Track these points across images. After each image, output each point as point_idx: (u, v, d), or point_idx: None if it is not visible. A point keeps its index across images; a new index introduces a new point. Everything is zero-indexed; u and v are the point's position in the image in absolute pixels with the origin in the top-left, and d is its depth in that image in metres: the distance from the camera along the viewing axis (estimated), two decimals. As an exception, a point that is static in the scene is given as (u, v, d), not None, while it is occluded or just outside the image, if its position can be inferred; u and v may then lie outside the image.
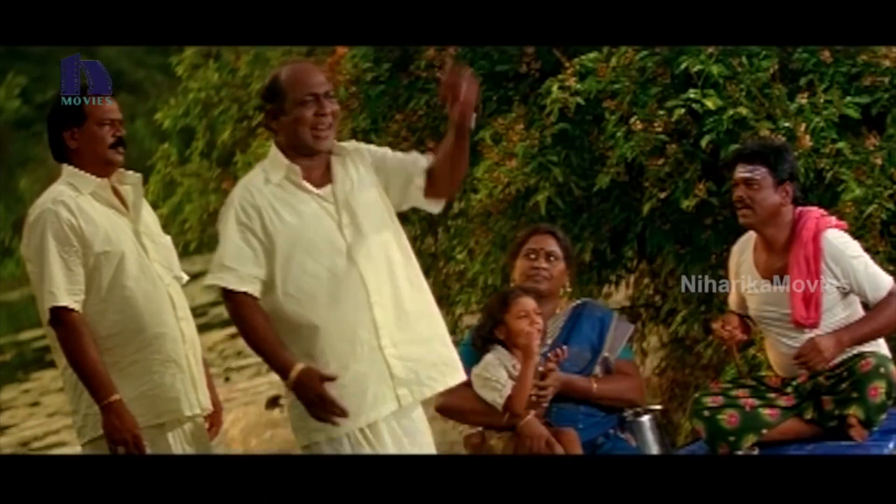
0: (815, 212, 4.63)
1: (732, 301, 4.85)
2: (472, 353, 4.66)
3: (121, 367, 4.22)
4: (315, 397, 3.87)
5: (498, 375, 4.53)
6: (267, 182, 4.05)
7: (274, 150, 4.11)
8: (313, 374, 3.88)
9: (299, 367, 3.89)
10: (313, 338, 3.98)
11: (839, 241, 4.55)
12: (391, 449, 4.04)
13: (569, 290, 4.90)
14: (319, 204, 4.06)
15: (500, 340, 4.59)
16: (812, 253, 4.53)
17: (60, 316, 4.15)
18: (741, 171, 4.60)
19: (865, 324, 4.55)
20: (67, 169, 4.32)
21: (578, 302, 4.93)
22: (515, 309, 4.56)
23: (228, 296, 3.99)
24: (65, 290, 4.15)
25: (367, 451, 4.01)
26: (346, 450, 3.98)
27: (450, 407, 4.64)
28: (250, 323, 3.98)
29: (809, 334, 4.55)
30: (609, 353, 4.78)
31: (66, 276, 4.17)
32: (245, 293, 3.97)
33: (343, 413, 3.86)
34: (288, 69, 4.15)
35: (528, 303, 4.58)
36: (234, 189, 4.12)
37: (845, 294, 4.57)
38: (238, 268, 3.97)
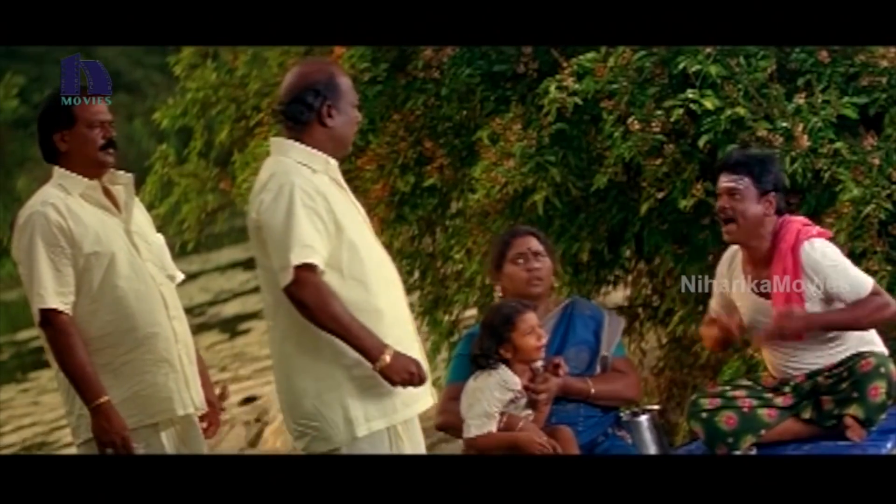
0: (796, 222, 4.61)
1: (715, 305, 4.83)
2: (466, 364, 4.61)
3: (113, 368, 4.23)
4: (412, 374, 3.97)
5: (491, 407, 4.44)
6: (315, 172, 4.04)
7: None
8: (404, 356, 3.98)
9: (390, 350, 3.95)
10: (377, 322, 4.01)
11: (816, 251, 4.52)
12: (421, 447, 4.13)
13: (556, 286, 4.87)
14: (351, 199, 4.15)
15: (504, 359, 4.48)
16: (791, 264, 4.52)
17: (49, 318, 4.16)
18: (724, 181, 4.59)
19: (840, 315, 4.52)
20: (58, 171, 4.32)
21: (566, 301, 4.89)
22: (522, 327, 4.45)
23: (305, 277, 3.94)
24: (53, 292, 4.15)
25: (406, 448, 4.07)
26: (385, 446, 4.02)
27: (453, 424, 4.62)
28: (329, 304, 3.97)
29: (801, 343, 4.56)
30: (606, 351, 4.78)
31: (55, 277, 4.17)
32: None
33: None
34: (335, 67, 4.22)
35: (533, 318, 4.48)
36: (285, 176, 4.03)
37: (829, 302, 4.56)
38: (314, 245, 3.94)
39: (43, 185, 4.34)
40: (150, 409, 4.27)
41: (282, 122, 4.15)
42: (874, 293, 4.52)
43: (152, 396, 4.26)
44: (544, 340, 4.52)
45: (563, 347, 4.72)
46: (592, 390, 4.67)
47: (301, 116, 4.08)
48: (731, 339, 4.77)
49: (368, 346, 3.94)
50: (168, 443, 4.30)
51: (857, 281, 4.53)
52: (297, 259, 3.89)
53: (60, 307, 4.16)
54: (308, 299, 3.91)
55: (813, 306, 4.54)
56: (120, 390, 4.20)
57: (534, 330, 4.47)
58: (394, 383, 3.95)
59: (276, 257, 3.95)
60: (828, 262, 4.52)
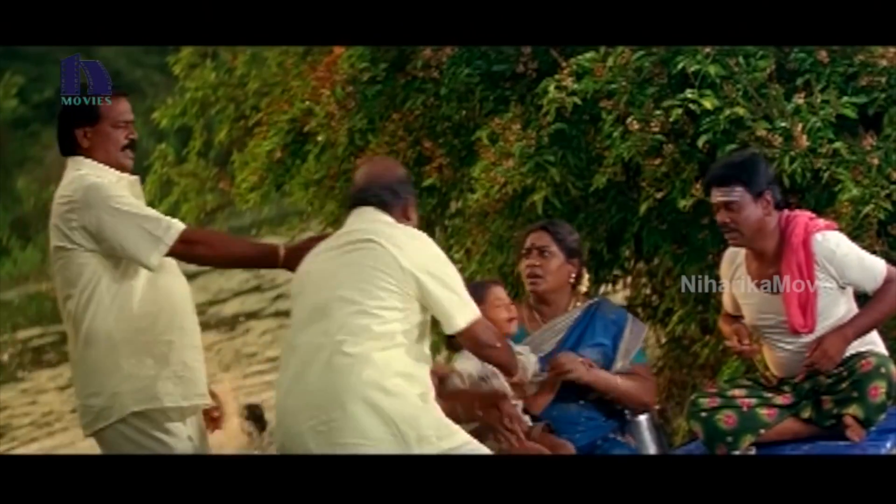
0: (802, 216, 4.61)
1: (727, 304, 4.86)
2: None
3: (152, 347, 4.20)
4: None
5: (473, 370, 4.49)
6: None
7: None
8: None
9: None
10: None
11: (829, 242, 4.54)
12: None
13: (579, 286, 4.86)
14: None
15: None
16: (804, 259, 4.53)
17: (188, 236, 4.18)
18: (718, 196, 4.56)
19: (866, 315, 4.56)
20: (83, 161, 4.26)
21: (593, 301, 4.90)
22: (491, 298, 4.53)
23: None
24: (168, 218, 4.19)
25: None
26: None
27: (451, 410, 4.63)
28: None
29: (807, 339, 4.56)
30: (623, 359, 4.76)
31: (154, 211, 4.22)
32: None
33: None
34: None
35: (502, 290, 4.59)
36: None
37: (843, 291, 4.59)
38: None
39: (47, 184, 4.32)
40: (185, 391, 4.24)
41: (371, 203, 4.18)
42: (889, 280, 4.55)
43: (188, 379, 4.25)
44: (515, 315, 4.59)
45: (577, 346, 4.73)
46: (619, 384, 4.67)
47: (394, 201, 4.20)
48: (743, 355, 4.80)
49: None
50: (189, 429, 4.28)
51: (872, 267, 4.57)
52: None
53: (182, 225, 4.18)
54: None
55: (826, 298, 4.55)
56: (157, 368, 4.18)
57: (504, 303, 4.56)
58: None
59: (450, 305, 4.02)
60: (841, 252, 4.54)
